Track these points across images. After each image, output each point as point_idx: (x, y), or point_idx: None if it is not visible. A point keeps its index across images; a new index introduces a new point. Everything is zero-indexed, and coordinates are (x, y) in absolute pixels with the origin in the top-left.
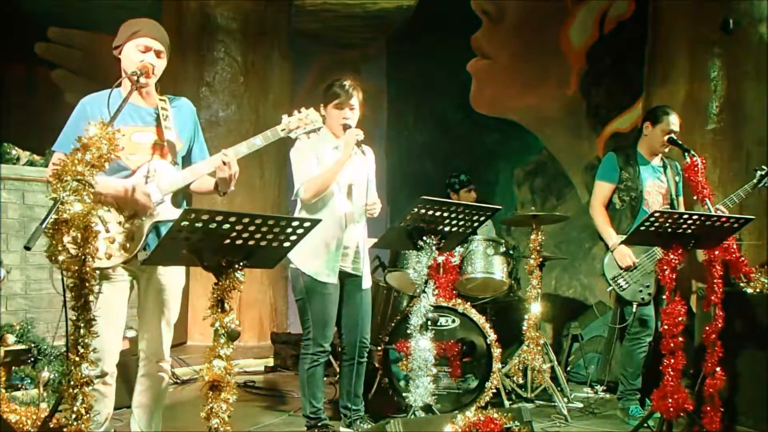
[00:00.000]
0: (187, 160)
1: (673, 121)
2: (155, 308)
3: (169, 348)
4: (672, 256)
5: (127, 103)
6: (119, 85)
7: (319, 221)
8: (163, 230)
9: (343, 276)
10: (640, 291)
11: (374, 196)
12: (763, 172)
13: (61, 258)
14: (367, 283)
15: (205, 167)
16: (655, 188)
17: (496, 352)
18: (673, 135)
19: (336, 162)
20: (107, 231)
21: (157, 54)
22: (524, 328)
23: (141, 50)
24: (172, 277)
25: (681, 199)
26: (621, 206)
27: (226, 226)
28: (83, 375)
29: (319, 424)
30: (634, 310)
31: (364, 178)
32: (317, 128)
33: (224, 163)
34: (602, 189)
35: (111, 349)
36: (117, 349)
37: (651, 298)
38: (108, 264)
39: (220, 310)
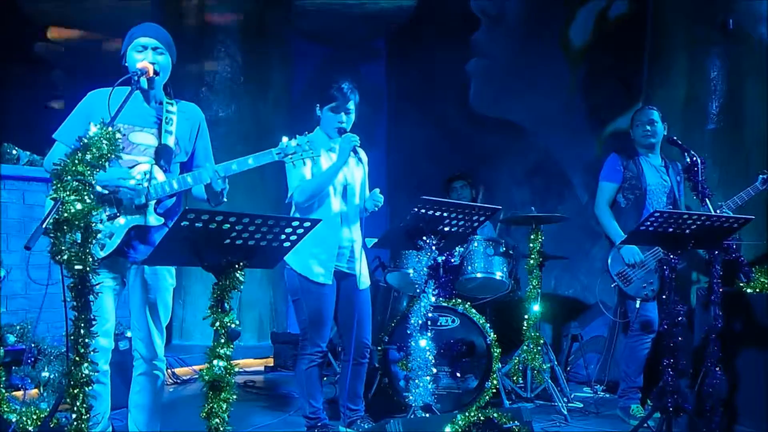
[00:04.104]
0: (189, 167)
1: (647, 112)
2: (143, 308)
3: (162, 347)
4: (672, 256)
5: (134, 102)
6: (121, 84)
7: (319, 221)
8: (145, 235)
9: (339, 276)
10: (644, 287)
11: (366, 195)
12: (765, 176)
13: (65, 257)
14: (364, 283)
15: (192, 180)
16: (659, 187)
17: (496, 352)
18: (648, 125)
19: (332, 167)
20: None
21: (155, 50)
22: (524, 328)
23: (139, 51)
24: (159, 277)
25: (683, 200)
26: (626, 205)
27: (226, 226)
28: (83, 375)
29: (319, 424)
30: (637, 306)
31: (359, 180)
32: (313, 156)
33: (218, 176)
34: (606, 189)
35: (100, 347)
36: (107, 347)
37: (654, 295)
38: None
39: (220, 310)
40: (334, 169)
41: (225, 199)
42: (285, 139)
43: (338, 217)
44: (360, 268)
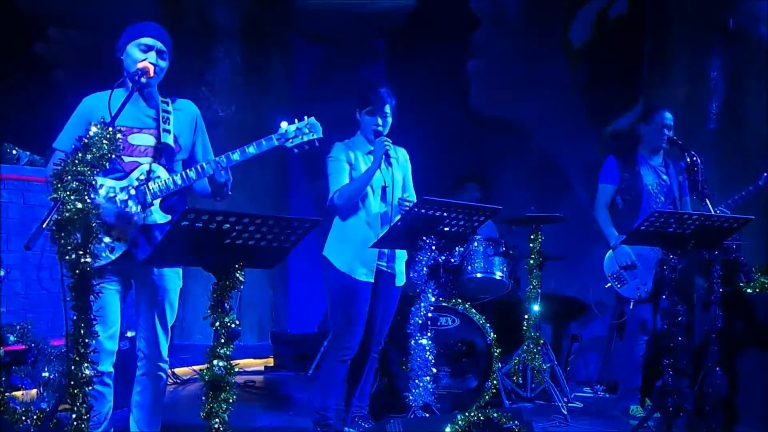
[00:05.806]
0: (190, 163)
1: (666, 116)
2: (149, 309)
3: (166, 348)
4: (672, 256)
5: (130, 105)
6: (120, 85)
7: (318, 221)
8: (151, 233)
9: (378, 274)
10: (638, 288)
11: (411, 194)
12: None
13: (72, 256)
14: (401, 279)
15: (195, 174)
16: (657, 187)
17: (496, 352)
18: (666, 129)
19: (366, 172)
20: None
21: (159, 54)
22: (524, 328)
23: (143, 50)
24: (166, 278)
25: (687, 199)
26: (623, 205)
27: (226, 226)
28: (83, 375)
29: (323, 422)
30: (631, 307)
31: (398, 180)
32: (316, 138)
33: (221, 167)
34: (604, 191)
35: (106, 349)
36: (112, 349)
37: (648, 296)
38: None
39: (220, 310)
40: (368, 174)
41: (230, 192)
42: (284, 124)
43: (379, 217)
44: (398, 266)
